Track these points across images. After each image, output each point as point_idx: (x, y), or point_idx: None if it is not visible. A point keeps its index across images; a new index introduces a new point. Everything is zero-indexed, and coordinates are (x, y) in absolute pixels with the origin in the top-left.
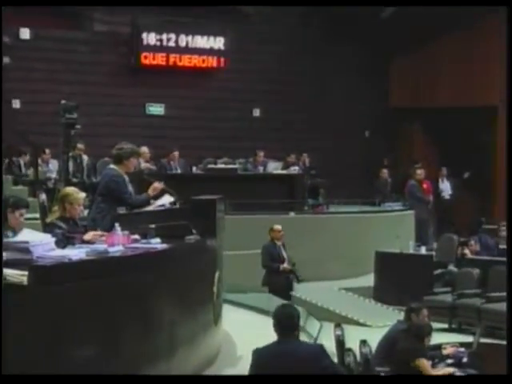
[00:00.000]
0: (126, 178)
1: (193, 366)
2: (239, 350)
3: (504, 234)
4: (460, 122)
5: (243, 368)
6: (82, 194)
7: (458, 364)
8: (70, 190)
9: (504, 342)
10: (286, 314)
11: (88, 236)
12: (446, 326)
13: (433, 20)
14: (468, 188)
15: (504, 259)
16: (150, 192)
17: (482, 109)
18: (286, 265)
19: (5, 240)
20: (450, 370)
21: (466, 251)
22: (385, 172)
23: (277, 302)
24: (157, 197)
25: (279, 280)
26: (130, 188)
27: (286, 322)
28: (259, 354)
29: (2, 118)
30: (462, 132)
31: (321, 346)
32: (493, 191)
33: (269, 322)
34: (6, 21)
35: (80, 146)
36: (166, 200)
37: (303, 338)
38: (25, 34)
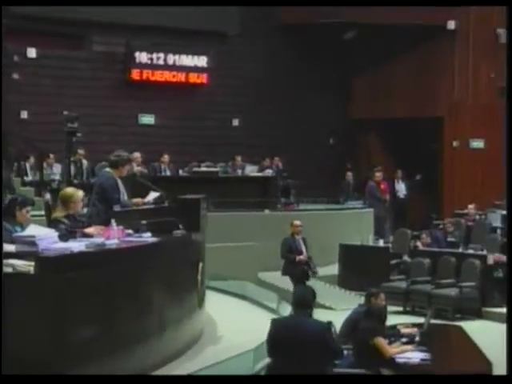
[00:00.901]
0: (119, 180)
1: (180, 344)
2: (220, 330)
3: (451, 229)
4: (411, 131)
5: (224, 345)
6: (81, 192)
7: (411, 342)
8: (72, 190)
9: (450, 323)
10: (300, 294)
11: (90, 230)
12: (400, 308)
13: (389, 42)
14: (420, 188)
15: (451, 250)
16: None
17: (430, 119)
18: (302, 257)
19: (14, 234)
20: (407, 347)
21: (418, 244)
22: (349, 175)
23: (253, 288)
24: (144, 195)
25: (295, 270)
26: (122, 189)
27: (300, 301)
28: (275, 325)
29: (12, 127)
30: (414, 140)
31: (327, 324)
32: (440, 191)
33: (245, 306)
34: (15, 41)
35: (80, 151)
36: (152, 196)
37: None
38: (31, 53)
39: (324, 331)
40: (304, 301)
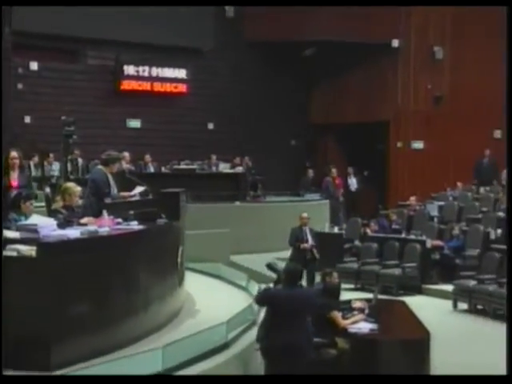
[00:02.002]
0: (110, 176)
1: (162, 317)
2: (197, 305)
3: (395, 218)
4: (362, 133)
5: (201, 318)
6: (79, 188)
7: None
8: (70, 184)
9: (395, 298)
10: (291, 270)
11: (84, 220)
12: (352, 286)
13: (342, 58)
14: (368, 183)
15: (395, 236)
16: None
17: (378, 124)
18: (306, 245)
19: (18, 223)
20: (357, 318)
21: (368, 230)
22: (309, 171)
23: (225, 269)
24: (131, 189)
25: (300, 256)
26: (113, 184)
27: (291, 276)
28: (270, 292)
29: (17, 130)
30: (364, 141)
31: (314, 291)
32: (386, 185)
33: (219, 284)
34: (19, 56)
35: (76, 151)
36: (138, 190)
37: (246, 297)
38: (33, 66)
39: (312, 296)
40: (295, 276)
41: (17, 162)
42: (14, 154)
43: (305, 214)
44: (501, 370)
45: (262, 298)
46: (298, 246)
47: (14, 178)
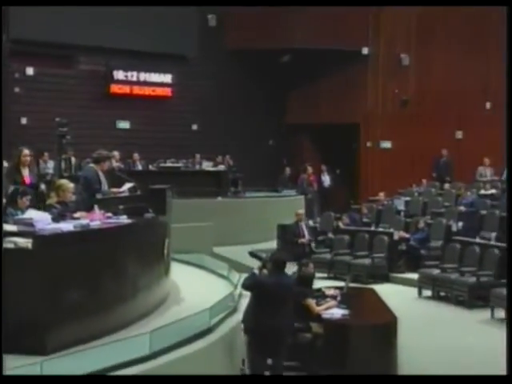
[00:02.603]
0: (101, 173)
1: (150, 304)
2: (182, 293)
3: (365, 212)
4: (334, 134)
5: (186, 305)
6: (72, 184)
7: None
8: (64, 181)
9: (364, 286)
10: (278, 258)
11: (77, 214)
12: (326, 275)
13: (316, 64)
14: (341, 180)
15: (365, 229)
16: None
17: (349, 125)
18: (303, 239)
19: (15, 217)
20: (330, 304)
21: (340, 223)
22: (287, 169)
23: (208, 259)
24: (120, 185)
25: (298, 250)
26: (103, 180)
27: (278, 263)
28: (258, 278)
29: (15, 132)
30: (336, 141)
31: (294, 279)
32: (357, 182)
33: (203, 274)
34: (16, 62)
35: (69, 151)
36: (127, 186)
37: (227, 285)
38: (29, 71)
39: (292, 284)
40: (281, 264)
41: (28, 159)
42: (26, 151)
43: (300, 211)
44: (460, 351)
45: (249, 284)
46: (296, 241)
47: (27, 176)
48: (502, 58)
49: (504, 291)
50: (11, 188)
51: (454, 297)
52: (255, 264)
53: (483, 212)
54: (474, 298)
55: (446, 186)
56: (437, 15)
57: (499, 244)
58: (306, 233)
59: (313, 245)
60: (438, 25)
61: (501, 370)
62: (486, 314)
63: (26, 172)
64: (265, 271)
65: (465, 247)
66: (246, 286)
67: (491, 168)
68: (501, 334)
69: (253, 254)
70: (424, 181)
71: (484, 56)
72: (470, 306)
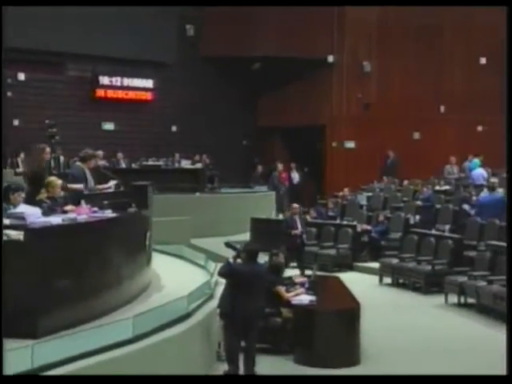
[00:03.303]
0: (87, 171)
1: (133, 292)
2: (163, 281)
3: (331, 206)
4: (303, 135)
5: (166, 292)
6: (60, 181)
7: (303, 288)
8: (53, 178)
9: (330, 274)
10: (251, 248)
11: (68, 207)
12: (295, 264)
13: (285, 71)
14: (308, 177)
15: (331, 222)
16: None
17: (316, 127)
18: (296, 231)
19: (8, 211)
20: (299, 291)
21: (308, 217)
22: (259, 167)
23: (187, 250)
24: (105, 182)
25: (291, 241)
26: (90, 177)
27: (251, 253)
28: (232, 267)
29: (7, 133)
30: (304, 141)
31: (266, 268)
32: (323, 179)
33: (181, 263)
34: (9, 68)
35: (58, 150)
36: (112, 183)
37: (204, 274)
38: (21, 76)
39: (265, 272)
40: (254, 254)
41: (48, 156)
42: (48, 149)
43: (295, 205)
44: (416, 330)
45: (225, 272)
46: (289, 233)
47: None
48: (453, 66)
49: (457, 278)
50: (4, 184)
51: (412, 284)
52: (230, 254)
53: (438, 206)
54: (429, 285)
55: (405, 182)
56: (395, 28)
57: (453, 235)
58: (299, 225)
59: (304, 236)
60: (397, 36)
61: (450, 348)
62: (440, 299)
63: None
64: (239, 260)
65: (421, 238)
66: (221, 274)
67: (457, 166)
68: (453, 316)
69: (228, 245)
70: (385, 178)
71: (437, 64)
72: (425, 292)
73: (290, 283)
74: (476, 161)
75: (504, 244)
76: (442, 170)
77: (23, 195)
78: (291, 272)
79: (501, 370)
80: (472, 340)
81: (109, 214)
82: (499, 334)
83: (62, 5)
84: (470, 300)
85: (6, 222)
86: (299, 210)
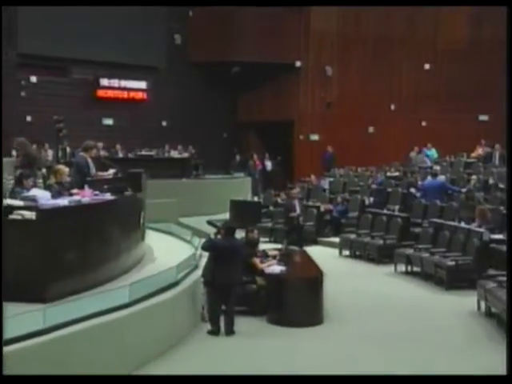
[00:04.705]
0: (90, 160)
1: (130, 263)
2: (155, 254)
3: (298, 190)
4: (275, 129)
5: (158, 264)
6: (67, 169)
7: (274, 260)
8: (60, 166)
9: (298, 248)
10: (229, 225)
11: (74, 191)
12: (267, 239)
13: (259, 74)
14: (280, 165)
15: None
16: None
17: (286, 122)
18: (294, 214)
19: (22, 195)
20: (271, 262)
21: (278, 199)
22: (237, 156)
23: (175, 227)
24: (106, 170)
25: (290, 221)
26: (91, 165)
27: (229, 230)
28: (214, 242)
29: (21, 127)
30: (276, 134)
31: (242, 242)
32: (292, 167)
33: (171, 239)
34: (22, 72)
35: (65, 142)
36: (111, 171)
37: (190, 248)
38: (33, 79)
39: (242, 246)
40: (231, 230)
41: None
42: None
43: (295, 191)
44: (370, 294)
45: (207, 246)
46: (287, 215)
47: None
48: (401, 71)
49: (404, 250)
50: (18, 172)
51: (367, 255)
52: (212, 231)
53: (389, 190)
54: (381, 256)
55: (359, 169)
56: (353, 38)
57: (401, 214)
58: (297, 209)
59: (301, 218)
60: (354, 45)
61: (399, 306)
62: (390, 268)
63: None
64: (219, 236)
65: (375, 217)
66: (204, 248)
67: (416, 153)
68: (401, 282)
69: (210, 223)
70: (345, 165)
71: (388, 69)
72: (378, 262)
73: (264, 256)
74: (434, 150)
75: (443, 221)
76: (408, 157)
77: (36, 180)
78: (265, 246)
79: (438, 322)
80: (416, 300)
81: (108, 196)
82: (438, 295)
83: (61, 5)
84: (416, 269)
85: (20, 203)
86: (297, 194)
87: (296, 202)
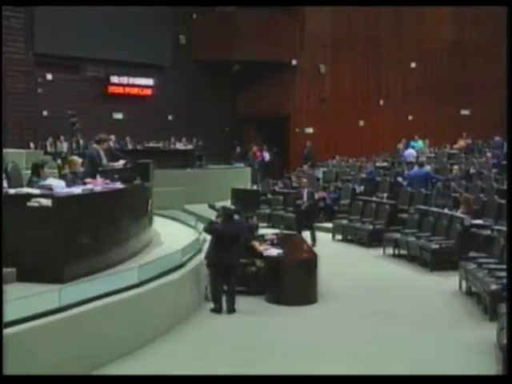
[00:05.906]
0: (102, 151)
1: (138, 247)
2: (162, 239)
3: (294, 179)
4: (273, 122)
5: (164, 247)
6: (80, 160)
7: (272, 243)
8: (74, 157)
9: (294, 232)
10: (228, 209)
11: (88, 180)
12: (266, 225)
13: (258, 71)
14: (276, 156)
15: (294, 191)
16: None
17: (283, 116)
18: (300, 201)
19: (38, 183)
20: (267, 246)
21: (276, 187)
22: (237, 148)
23: (181, 214)
24: (116, 160)
25: (297, 210)
26: (103, 156)
27: (228, 213)
28: (215, 225)
29: (38, 123)
30: (274, 127)
31: (244, 225)
32: (288, 157)
33: (176, 224)
34: (39, 70)
35: (78, 135)
36: (121, 162)
37: (194, 232)
38: (49, 76)
39: (243, 228)
40: (230, 214)
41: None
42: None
43: (304, 180)
44: (360, 275)
45: (209, 229)
46: (294, 202)
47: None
48: (390, 69)
49: (392, 235)
50: (34, 161)
51: (357, 239)
52: (213, 215)
53: (378, 179)
54: (371, 240)
55: (351, 160)
56: (345, 39)
57: (389, 201)
58: (304, 197)
59: (305, 205)
60: (346, 45)
61: (387, 287)
62: (379, 251)
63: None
64: (219, 220)
65: (365, 204)
66: (206, 230)
67: (403, 145)
68: (389, 264)
69: (210, 206)
70: (337, 156)
71: (378, 67)
72: (368, 246)
73: (263, 239)
74: (420, 142)
75: (428, 208)
76: (396, 149)
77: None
78: (264, 231)
79: (423, 300)
80: (403, 280)
81: (119, 185)
82: (423, 276)
83: (63, 5)
84: (402, 251)
85: (37, 191)
86: (306, 184)
87: (305, 191)
